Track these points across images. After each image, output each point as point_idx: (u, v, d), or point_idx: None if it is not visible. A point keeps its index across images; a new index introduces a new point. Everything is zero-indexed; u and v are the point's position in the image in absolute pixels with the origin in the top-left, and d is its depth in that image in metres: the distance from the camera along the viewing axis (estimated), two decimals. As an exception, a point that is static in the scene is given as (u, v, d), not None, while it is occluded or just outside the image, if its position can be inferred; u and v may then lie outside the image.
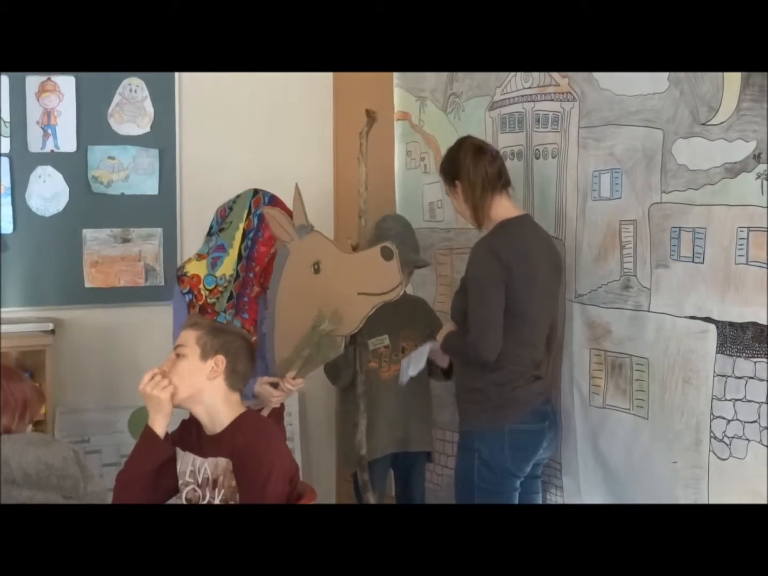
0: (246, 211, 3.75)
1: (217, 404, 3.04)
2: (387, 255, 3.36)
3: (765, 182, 2.80)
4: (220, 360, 3.02)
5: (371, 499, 3.90)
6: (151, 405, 3.03)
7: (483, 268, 3.34)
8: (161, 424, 3.04)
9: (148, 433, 3.04)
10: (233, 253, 3.72)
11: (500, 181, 3.43)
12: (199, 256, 3.77)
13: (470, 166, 3.40)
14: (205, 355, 3.02)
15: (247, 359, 3.09)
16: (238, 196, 3.80)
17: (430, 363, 3.86)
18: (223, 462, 2.99)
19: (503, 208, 3.44)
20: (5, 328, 4.21)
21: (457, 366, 3.63)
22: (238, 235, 3.74)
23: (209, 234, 3.82)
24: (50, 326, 4.43)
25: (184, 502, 3.07)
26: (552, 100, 3.59)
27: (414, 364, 3.71)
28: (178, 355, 3.06)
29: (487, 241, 3.40)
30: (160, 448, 3.05)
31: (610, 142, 3.35)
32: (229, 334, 3.12)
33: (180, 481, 3.08)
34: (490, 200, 3.41)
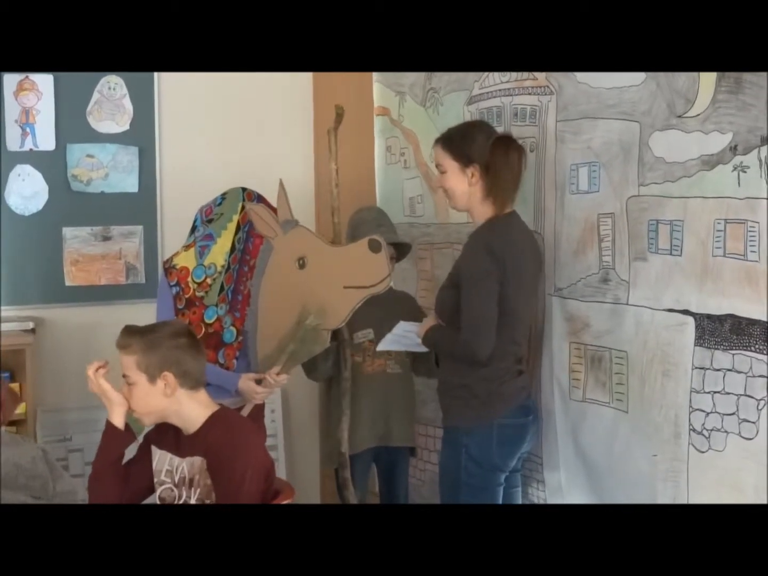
0: (240, 205, 3.75)
1: (185, 410, 3.02)
2: (375, 247, 3.36)
3: (741, 174, 2.80)
4: (169, 377, 2.97)
5: (351, 496, 3.89)
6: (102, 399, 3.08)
7: (479, 266, 3.31)
8: (114, 415, 3.06)
9: (106, 426, 3.07)
10: (222, 242, 3.72)
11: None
12: (186, 247, 3.78)
13: (513, 161, 3.35)
14: (152, 378, 2.97)
15: (192, 355, 3.02)
16: (225, 193, 3.80)
17: (418, 356, 3.87)
18: (198, 461, 2.98)
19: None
20: (-16, 327, 4.20)
21: (442, 361, 3.62)
22: (231, 226, 3.74)
23: (193, 231, 3.81)
24: (31, 325, 4.41)
25: (158, 501, 3.07)
26: (530, 93, 3.59)
27: (391, 341, 3.72)
28: (128, 384, 3.02)
29: (482, 239, 3.37)
30: (118, 437, 3.07)
31: (588, 136, 3.35)
32: (163, 342, 2.99)
33: (155, 480, 3.08)
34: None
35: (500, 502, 3.47)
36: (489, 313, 3.29)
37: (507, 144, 3.37)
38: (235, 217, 3.73)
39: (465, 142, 3.43)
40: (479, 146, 3.38)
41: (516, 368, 3.45)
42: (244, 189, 3.80)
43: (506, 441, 3.41)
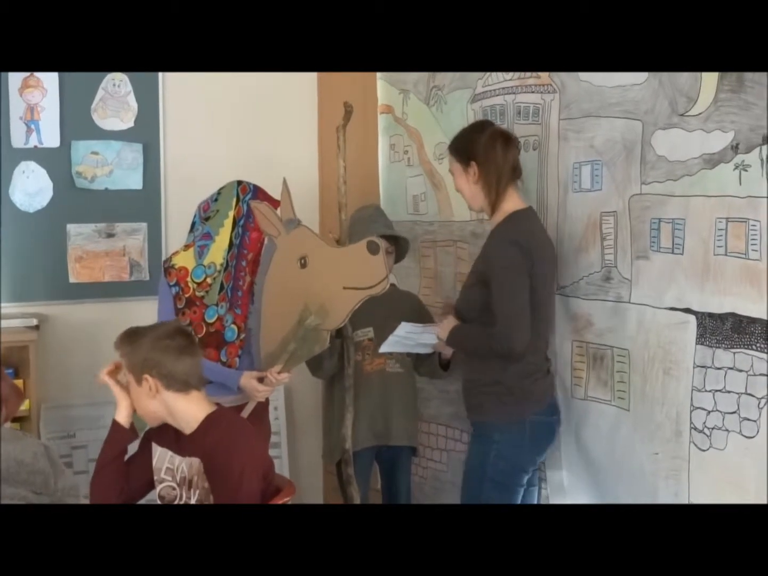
0: (234, 199, 3.75)
1: (176, 412, 3.03)
2: (373, 249, 3.37)
3: (743, 173, 2.81)
4: (149, 379, 2.98)
5: (355, 493, 3.89)
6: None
7: (509, 260, 3.28)
8: (119, 414, 3.13)
9: (112, 423, 3.15)
10: (220, 240, 3.72)
11: (515, 171, 3.43)
12: (186, 246, 3.78)
13: (500, 152, 3.36)
14: (138, 379, 3.00)
15: (176, 357, 2.99)
16: (221, 188, 3.80)
17: (420, 357, 3.87)
18: (196, 462, 2.99)
19: (512, 199, 3.41)
20: (-12, 323, 4.20)
21: (468, 359, 3.57)
22: (228, 222, 3.74)
23: (192, 229, 3.82)
24: (34, 322, 4.40)
25: (158, 499, 3.09)
26: (533, 92, 3.60)
27: (394, 343, 3.71)
28: (128, 382, 3.08)
29: (508, 233, 3.35)
30: (120, 434, 3.12)
31: (590, 134, 3.35)
32: (144, 345, 3.00)
33: (155, 477, 3.09)
34: (507, 188, 3.40)
35: (519, 501, 3.47)
36: (523, 305, 3.27)
37: (500, 137, 3.39)
38: (231, 213, 3.74)
39: (464, 142, 3.46)
40: (477, 144, 3.40)
41: (546, 365, 3.47)
42: (239, 182, 3.79)
43: (537, 439, 3.43)
